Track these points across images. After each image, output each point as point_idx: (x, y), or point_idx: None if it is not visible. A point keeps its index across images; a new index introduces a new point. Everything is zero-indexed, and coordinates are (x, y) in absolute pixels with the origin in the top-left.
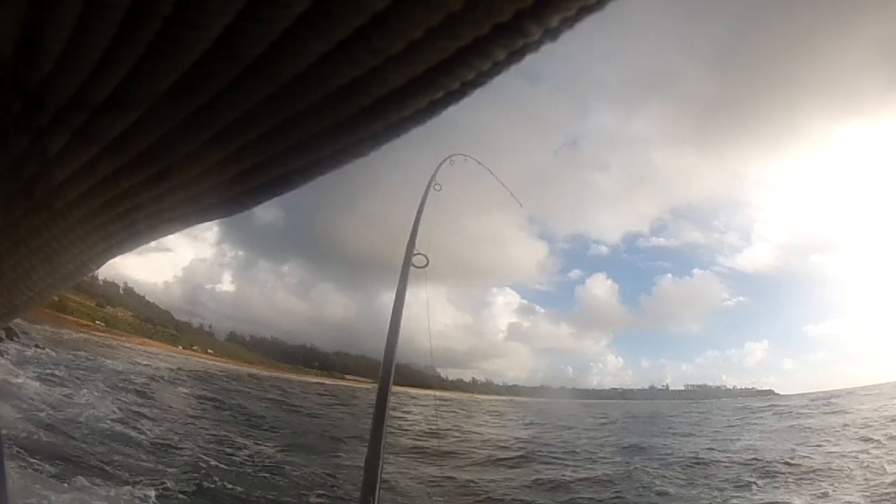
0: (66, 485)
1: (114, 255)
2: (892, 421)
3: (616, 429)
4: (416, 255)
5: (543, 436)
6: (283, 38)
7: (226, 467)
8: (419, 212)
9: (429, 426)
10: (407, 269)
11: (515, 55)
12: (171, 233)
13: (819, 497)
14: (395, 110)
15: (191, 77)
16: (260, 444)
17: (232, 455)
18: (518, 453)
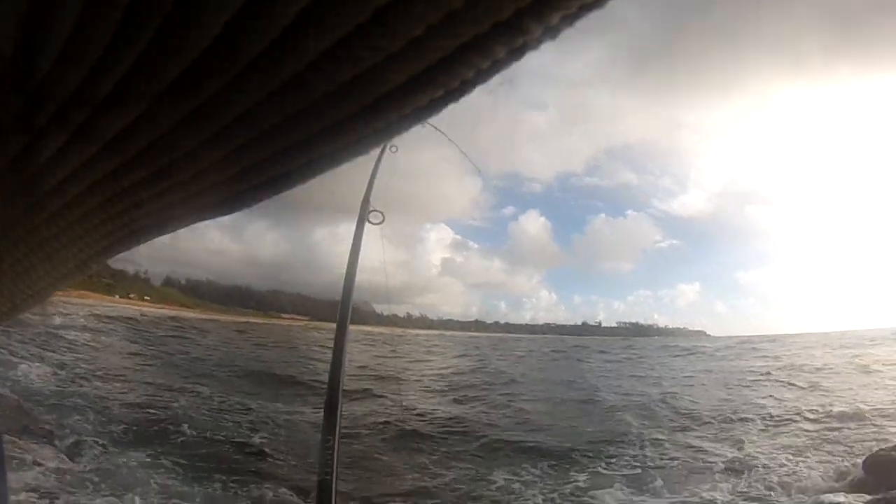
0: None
1: (113, 254)
2: (818, 370)
3: (544, 362)
4: (372, 211)
5: (475, 368)
6: (284, 35)
7: (170, 412)
8: (374, 171)
9: (360, 361)
10: (362, 226)
11: (515, 53)
12: (171, 231)
13: (770, 437)
14: (396, 108)
15: (191, 75)
16: (199, 388)
17: (172, 401)
18: (448, 384)
